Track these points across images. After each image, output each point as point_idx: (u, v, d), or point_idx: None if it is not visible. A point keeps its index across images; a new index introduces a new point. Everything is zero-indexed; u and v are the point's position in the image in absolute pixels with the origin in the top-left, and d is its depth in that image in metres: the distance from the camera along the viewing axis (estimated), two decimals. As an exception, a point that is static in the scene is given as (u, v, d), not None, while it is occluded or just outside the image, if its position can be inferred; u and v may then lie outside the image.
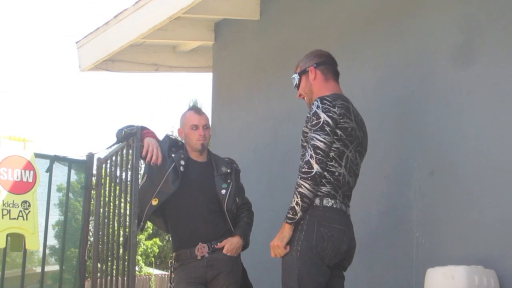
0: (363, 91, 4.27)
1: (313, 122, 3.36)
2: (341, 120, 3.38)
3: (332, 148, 3.35)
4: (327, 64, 3.64)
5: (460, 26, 3.81)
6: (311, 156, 3.29)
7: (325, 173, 3.35)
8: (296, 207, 3.29)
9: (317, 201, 3.35)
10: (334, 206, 3.37)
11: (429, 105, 3.91)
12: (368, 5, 4.41)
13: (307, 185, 3.28)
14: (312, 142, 3.31)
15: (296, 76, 3.67)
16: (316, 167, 3.28)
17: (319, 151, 3.30)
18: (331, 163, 3.36)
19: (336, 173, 3.38)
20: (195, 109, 4.36)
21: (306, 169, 3.29)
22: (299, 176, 3.29)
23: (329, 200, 3.36)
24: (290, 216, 3.30)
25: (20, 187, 4.44)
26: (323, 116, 3.34)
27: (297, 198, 3.28)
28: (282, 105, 4.94)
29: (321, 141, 3.31)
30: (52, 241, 4.98)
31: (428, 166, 3.85)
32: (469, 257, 3.48)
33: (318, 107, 3.37)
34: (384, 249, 4.05)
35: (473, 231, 3.60)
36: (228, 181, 4.19)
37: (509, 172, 3.48)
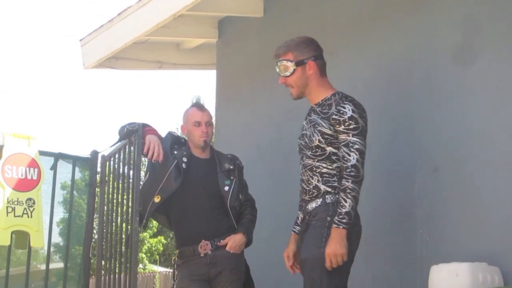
0: (366, 88, 4.26)
1: (352, 126, 3.37)
2: (367, 123, 3.47)
3: None
4: (322, 59, 3.59)
5: (463, 23, 3.80)
6: (358, 160, 3.33)
7: None
8: (352, 212, 3.31)
9: None
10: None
11: (433, 102, 3.90)
12: (372, 2, 4.41)
13: (358, 189, 3.32)
14: (356, 146, 3.35)
15: (291, 65, 3.55)
16: (362, 172, 3.34)
17: (363, 155, 3.36)
18: None
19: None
20: (198, 105, 4.36)
21: (355, 173, 3.32)
22: (351, 180, 3.31)
23: None
24: (347, 221, 3.30)
25: (24, 185, 4.44)
26: (361, 122, 3.40)
27: (352, 202, 3.30)
28: (285, 102, 4.92)
29: (363, 145, 3.37)
30: (57, 239, 4.99)
31: (432, 163, 3.85)
32: (473, 254, 3.47)
33: (353, 111, 3.40)
34: (388, 246, 4.05)
35: (477, 228, 3.60)
36: (231, 177, 4.20)
37: (513, 169, 3.48)
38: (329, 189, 3.42)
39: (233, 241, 4.09)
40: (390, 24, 4.24)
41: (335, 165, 3.42)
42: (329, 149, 3.43)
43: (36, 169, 4.50)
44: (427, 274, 3.47)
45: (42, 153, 4.57)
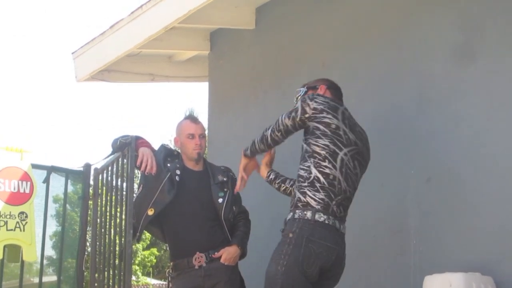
0: (359, 98, 4.28)
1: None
2: (319, 115, 3.39)
3: (322, 145, 3.36)
4: (338, 91, 3.71)
5: (455, 34, 3.82)
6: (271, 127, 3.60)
7: (320, 176, 3.33)
8: (255, 140, 3.68)
9: (309, 214, 3.30)
10: (326, 222, 3.31)
11: (426, 112, 3.92)
12: (364, 12, 4.43)
13: (266, 134, 3.64)
14: (278, 118, 3.57)
15: (302, 89, 3.71)
16: (268, 132, 3.63)
17: (277, 122, 3.56)
18: (324, 163, 3.34)
19: (331, 176, 3.33)
20: (191, 118, 4.36)
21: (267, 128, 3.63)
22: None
23: (322, 215, 3.30)
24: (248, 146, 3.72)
25: (17, 198, 4.44)
26: (298, 104, 3.48)
27: (259, 136, 3.66)
28: (278, 114, 4.91)
29: (283, 115, 3.53)
30: (50, 252, 4.97)
31: (425, 173, 3.86)
32: (467, 264, 3.48)
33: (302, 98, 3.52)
34: (381, 257, 4.05)
35: (470, 238, 3.61)
36: (225, 189, 4.20)
37: (506, 179, 3.49)
38: (300, 203, 3.36)
39: (228, 253, 4.09)
40: (382, 33, 4.26)
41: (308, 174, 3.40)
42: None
43: (28, 183, 4.49)
44: (420, 284, 3.48)
45: (34, 166, 4.57)
